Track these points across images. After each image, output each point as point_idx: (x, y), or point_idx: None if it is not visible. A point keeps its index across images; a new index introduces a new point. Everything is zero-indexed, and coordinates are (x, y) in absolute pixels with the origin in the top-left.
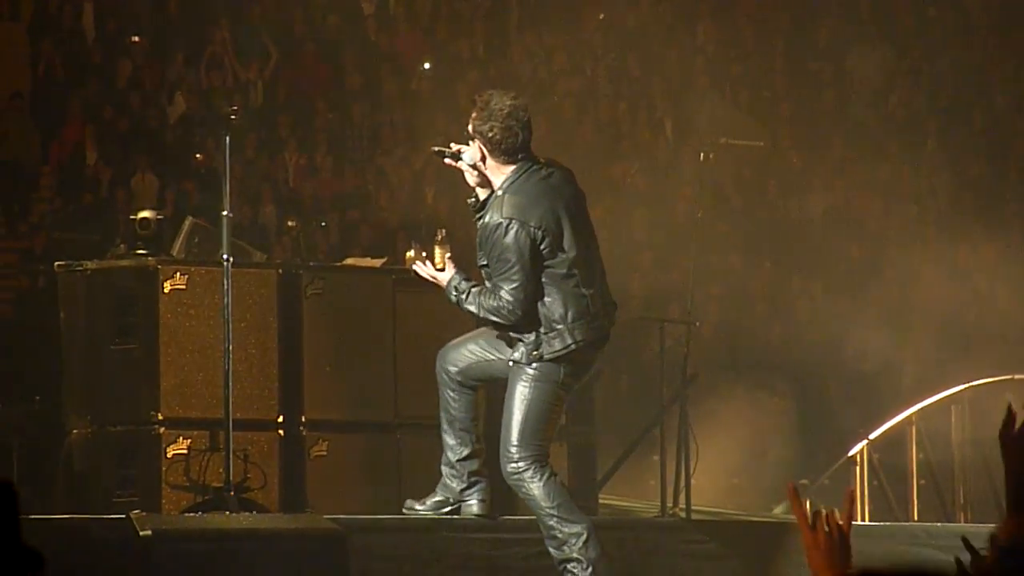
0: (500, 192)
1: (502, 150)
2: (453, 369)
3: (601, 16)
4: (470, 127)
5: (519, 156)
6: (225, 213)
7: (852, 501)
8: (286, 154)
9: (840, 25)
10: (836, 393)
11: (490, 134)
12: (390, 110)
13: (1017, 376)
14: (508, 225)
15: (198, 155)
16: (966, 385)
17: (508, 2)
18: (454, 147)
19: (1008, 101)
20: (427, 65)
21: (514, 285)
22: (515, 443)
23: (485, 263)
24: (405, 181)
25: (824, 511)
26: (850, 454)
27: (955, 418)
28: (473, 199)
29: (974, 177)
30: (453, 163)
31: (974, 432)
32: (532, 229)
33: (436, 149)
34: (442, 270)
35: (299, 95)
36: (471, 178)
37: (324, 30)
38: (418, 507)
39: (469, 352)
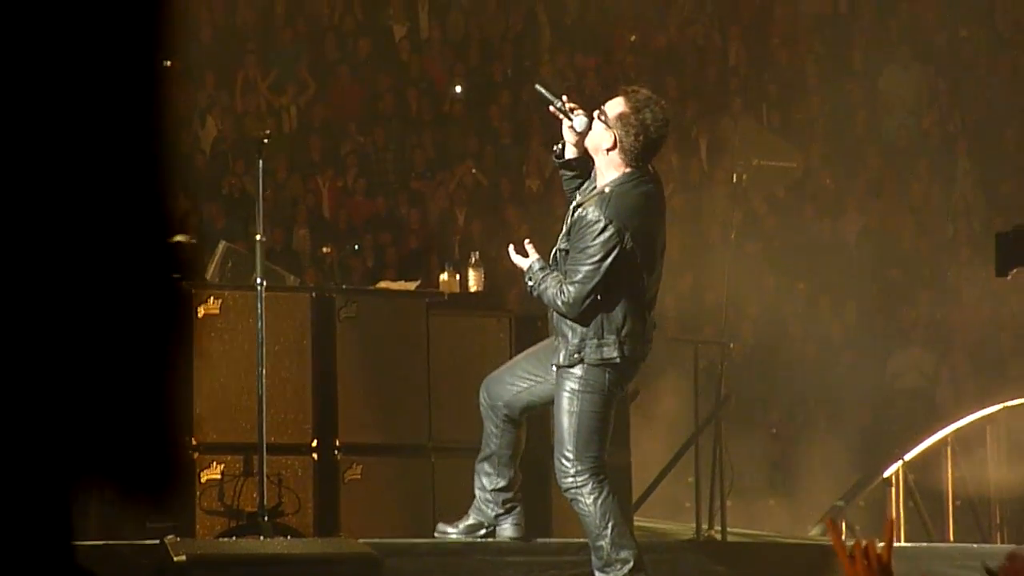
0: (607, 190)
1: (632, 155)
2: (499, 403)
3: (632, 38)
4: (610, 114)
5: (637, 163)
6: (259, 237)
7: (892, 530)
8: (318, 177)
9: (872, 45)
10: (871, 414)
11: (633, 140)
12: (422, 133)
13: None
14: (606, 226)
15: (232, 181)
16: (1001, 406)
17: (539, 24)
18: (566, 103)
19: None
20: (458, 88)
21: (584, 281)
22: (570, 456)
23: (566, 248)
24: (438, 204)
25: (864, 542)
26: (885, 475)
27: (990, 438)
28: (559, 148)
29: (1005, 196)
30: (558, 115)
31: (1009, 452)
32: (626, 237)
33: (542, 90)
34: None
35: (331, 118)
36: (570, 136)
37: (356, 53)
38: (450, 531)
39: (512, 383)
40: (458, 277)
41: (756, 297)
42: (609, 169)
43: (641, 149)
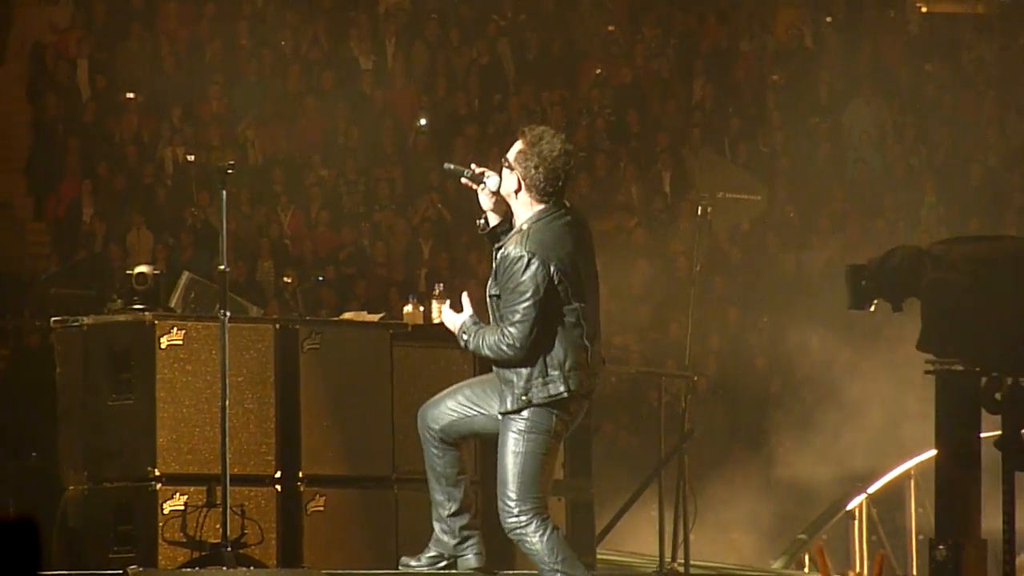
0: (525, 227)
1: (540, 190)
2: (435, 427)
3: (598, 71)
4: (511, 157)
5: (549, 200)
6: (222, 267)
7: (882, 561)
8: (278, 209)
9: (838, 80)
10: (834, 447)
11: (534, 173)
12: (386, 165)
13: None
14: (530, 260)
15: (194, 211)
16: None
17: (504, 58)
18: (476, 168)
19: (1003, 156)
20: (423, 121)
21: (522, 320)
22: (513, 497)
23: (496, 293)
24: (402, 236)
25: (853, 573)
26: (848, 508)
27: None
28: (483, 221)
29: (972, 234)
30: (472, 185)
31: None
32: (552, 269)
33: (451, 167)
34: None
35: (295, 150)
36: (487, 202)
37: (320, 85)
38: (413, 563)
39: (449, 409)
40: (422, 309)
41: (720, 330)
42: (523, 210)
43: (544, 181)
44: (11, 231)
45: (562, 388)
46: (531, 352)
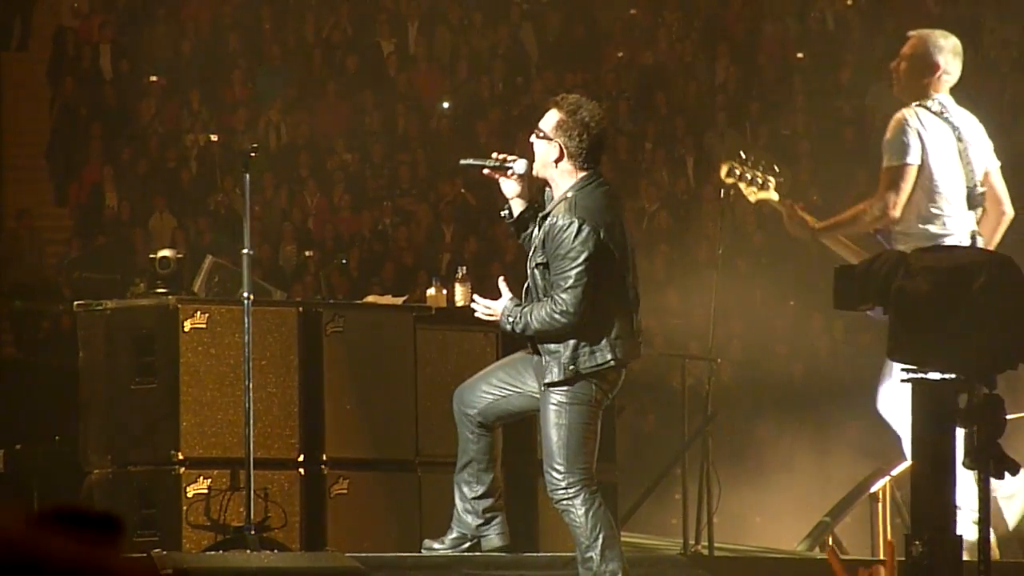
0: (570, 195)
1: (584, 158)
2: (472, 411)
3: (620, 54)
4: (548, 127)
5: (589, 167)
6: (246, 251)
7: (893, 553)
8: (305, 193)
9: (860, 62)
10: (858, 430)
11: (578, 142)
12: (410, 149)
13: None
14: (581, 226)
15: (219, 197)
16: None
17: (526, 41)
18: (498, 156)
19: None
20: (446, 104)
21: (575, 285)
22: (560, 469)
23: (543, 261)
24: (424, 219)
25: (867, 571)
26: (872, 491)
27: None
28: (507, 212)
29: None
30: (495, 174)
31: None
32: (603, 234)
33: (469, 161)
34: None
35: (318, 134)
36: (513, 188)
37: (344, 69)
38: (436, 546)
39: (485, 392)
40: (445, 292)
41: (744, 313)
42: (564, 179)
43: (588, 148)
44: (30, 240)
45: (609, 356)
46: (582, 319)
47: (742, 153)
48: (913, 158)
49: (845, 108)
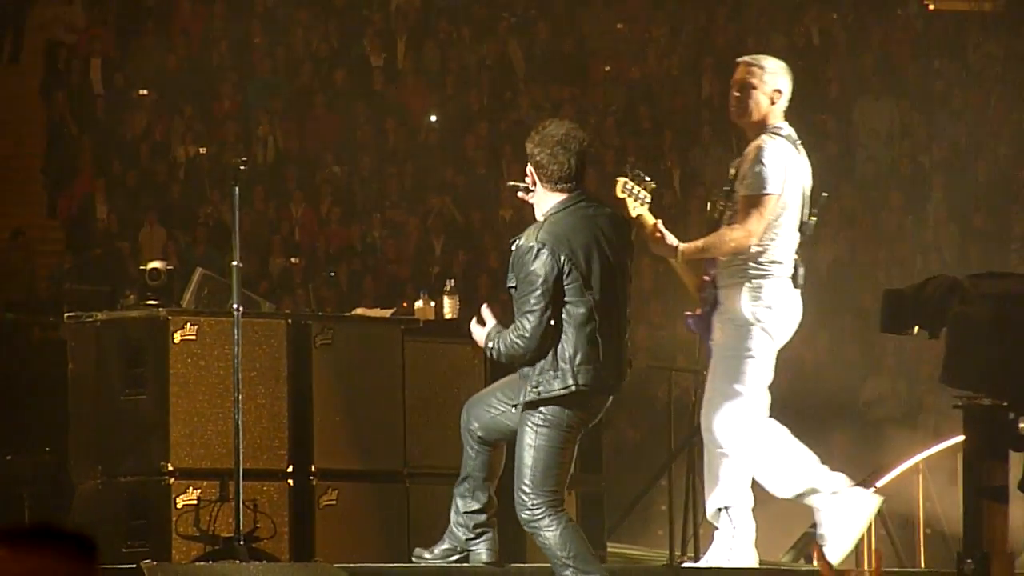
0: (542, 218)
1: (547, 175)
2: (475, 425)
3: (607, 69)
4: (527, 151)
5: (566, 185)
6: (235, 263)
7: (880, 561)
8: (292, 205)
9: (847, 77)
10: (842, 442)
11: (538, 158)
12: (398, 161)
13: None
14: (540, 250)
15: (208, 209)
16: None
17: (514, 55)
18: (529, 181)
19: (1011, 152)
20: (434, 117)
21: (532, 310)
22: (527, 490)
23: (513, 285)
24: (413, 232)
25: (854, 573)
26: None
27: (961, 466)
28: (515, 240)
29: (978, 228)
30: (526, 197)
31: None
32: (561, 259)
33: (512, 184)
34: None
35: (307, 147)
36: (540, 212)
37: (332, 83)
38: (427, 556)
39: (489, 406)
40: (433, 304)
41: None
42: (543, 202)
43: (553, 168)
44: (25, 259)
45: (570, 382)
46: (543, 344)
47: (634, 170)
48: (773, 187)
49: (830, 122)
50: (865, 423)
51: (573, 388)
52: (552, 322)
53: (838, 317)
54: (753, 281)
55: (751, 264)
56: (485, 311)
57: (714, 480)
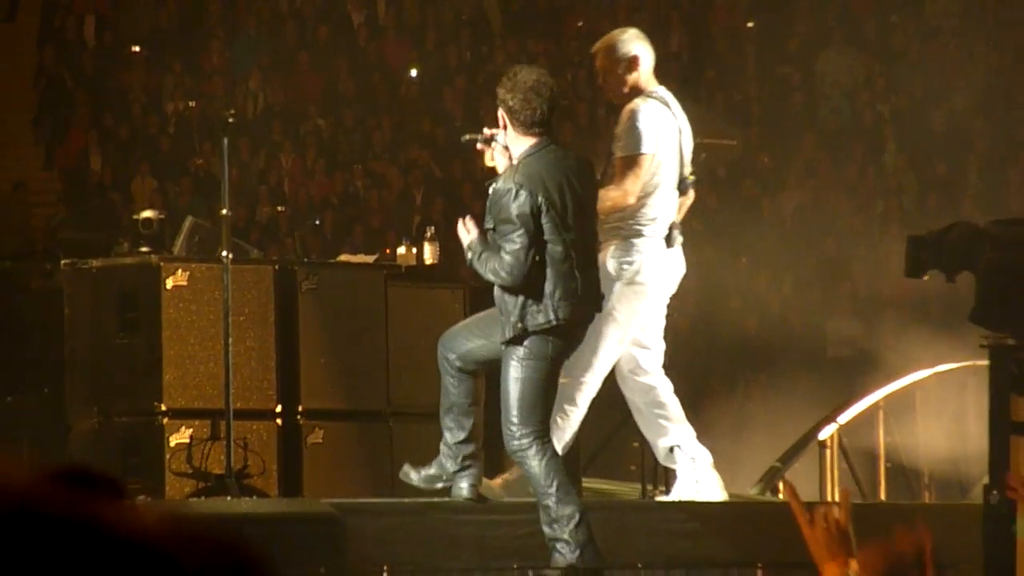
0: (515, 161)
1: (520, 120)
2: (452, 356)
3: (580, 24)
4: (499, 99)
5: (538, 130)
6: (224, 212)
7: (848, 497)
8: (281, 156)
9: (808, 32)
10: (807, 380)
11: (511, 103)
12: (380, 115)
13: (978, 363)
14: (518, 191)
15: (199, 160)
16: (931, 371)
17: (490, 12)
18: (487, 132)
19: (966, 103)
20: (414, 72)
21: (516, 247)
22: (515, 422)
23: (492, 227)
24: (395, 182)
25: (823, 510)
26: (821, 438)
27: (920, 403)
28: (489, 182)
29: (936, 176)
30: (486, 147)
31: (938, 416)
32: (539, 198)
33: (467, 137)
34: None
35: (293, 101)
36: (501, 161)
37: (316, 40)
38: (413, 475)
39: (464, 339)
40: (415, 251)
41: (698, 270)
42: (516, 145)
43: (521, 108)
44: (24, 211)
45: (552, 316)
46: (527, 280)
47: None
48: (648, 147)
49: (794, 75)
50: (828, 363)
51: (555, 322)
52: (535, 259)
53: (802, 262)
54: (625, 240)
55: (626, 222)
56: (470, 222)
57: (650, 425)
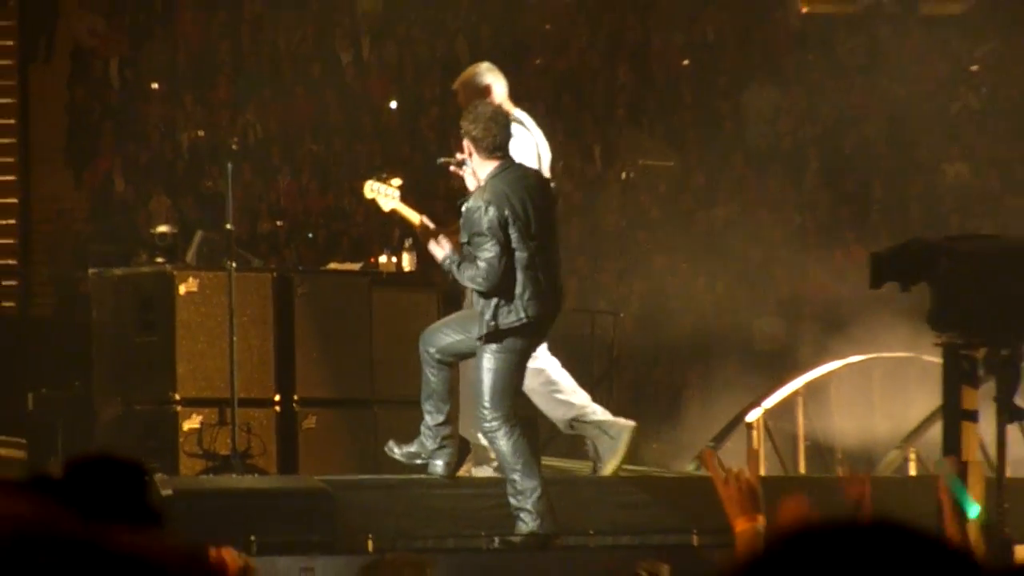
0: (483, 182)
1: (483, 147)
2: (432, 349)
3: (538, 61)
4: (462, 132)
5: (499, 154)
6: (229, 227)
7: (756, 460)
8: (279, 177)
9: (736, 68)
10: (737, 370)
11: (474, 132)
12: (365, 141)
13: (884, 355)
14: (487, 207)
15: (208, 182)
16: (842, 362)
17: (461, 51)
18: (459, 156)
19: (873, 130)
20: (394, 104)
21: (490, 255)
22: (487, 407)
23: (466, 241)
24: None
25: (735, 470)
26: (748, 420)
27: (834, 389)
28: (460, 201)
29: (847, 192)
30: (458, 170)
31: (850, 400)
32: (505, 212)
33: (442, 160)
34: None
35: (289, 129)
36: (471, 182)
37: (309, 76)
38: (396, 450)
39: (444, 334)
40: (395, 259)
41: (642, 275)
42: (481, 169)
43: (487, 140)
44: (65, 229)
45: (522, 315)
46: (500, 284)
47: (379, 174)
48: None
49: (724, 106)
50: (755, 355)
51: (525, 319)
52: (506, 265)
53: (731, 267)
54: None
55: None
56: (443, 239)
57: (547, 403)
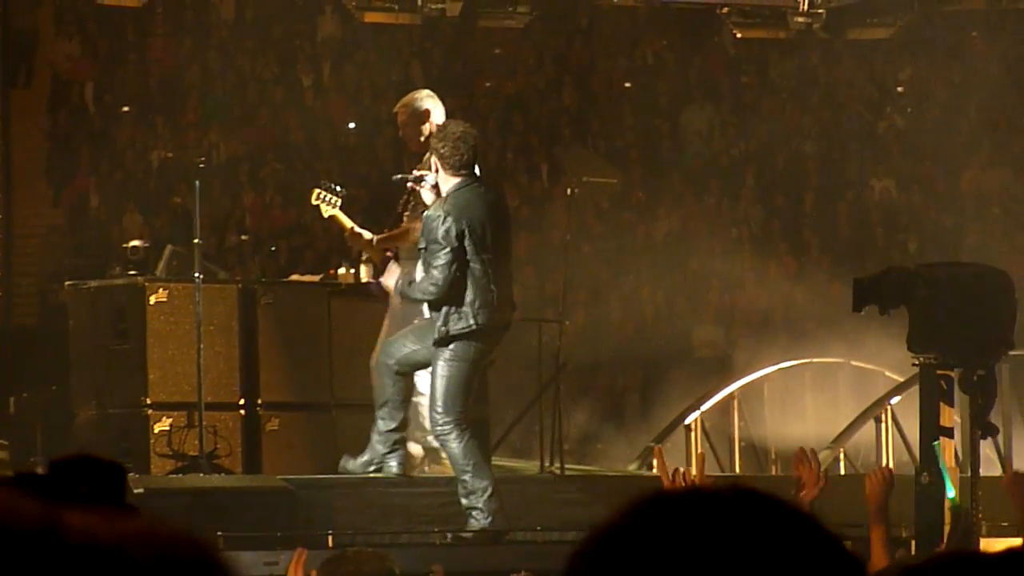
0: (445, 195)
1: (450, 164)
2: (391, 361)
3: (488, 84)
4: (431, 147)
5: (464, 171)
6: (197, 241)
7: (703, 460)
8: (244, 195)
9: (674, 90)
10: (676, 375)
11: (442, 150)
12: (325, 160)
13: (815, 360)
14: (445, 217)
15: (177, 199)
16: (775, 367)
17: (415, 75)
18: (416, 173)
19: (804, 148)
20: (352, 125)
21: (442, 263)
22: (440, 411)
23: (424, 247)
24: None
25: (681, 469)
26: (687, 422)
27: (767, 393)
28: (400, 177)
29: (779, 207)
30: (415, 186)
31: (782, 403)
32: (463, 224)
33: (398, 177)
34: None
35: (254, 149)
36: (428, 196)
37: (272, 98)
38: (349, 465)
39: (403, 345)
40: (353, 271)
41: (587, 286)
42: (445, 183)
43: (451, 154)
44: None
45: (472, 322)
46: (451, 291)
47: (325, 184)
48: None
49: (663, 125)
50: (694, 361)
51: (474, 326)
52: (458, 274)
53: (671, 278)
54: (409, 261)
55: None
56: (392, 264)
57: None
